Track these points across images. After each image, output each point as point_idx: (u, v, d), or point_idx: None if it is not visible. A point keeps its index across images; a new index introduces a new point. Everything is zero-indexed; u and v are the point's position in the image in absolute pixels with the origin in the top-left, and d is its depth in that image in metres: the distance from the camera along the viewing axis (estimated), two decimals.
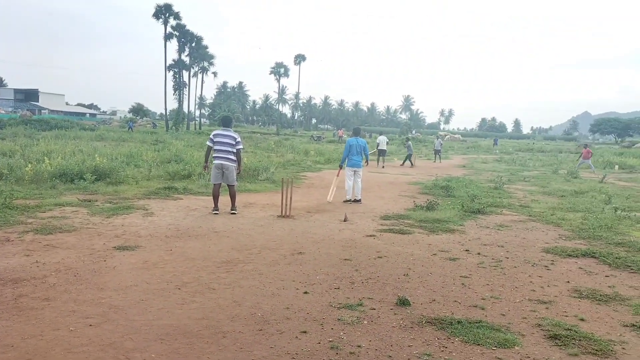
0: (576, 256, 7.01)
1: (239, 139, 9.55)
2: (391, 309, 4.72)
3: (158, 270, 5.64)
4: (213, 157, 9.49)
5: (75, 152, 17.90)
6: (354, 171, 11.69)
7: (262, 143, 37.43)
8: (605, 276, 6.11)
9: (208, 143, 9.56)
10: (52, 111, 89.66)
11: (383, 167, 24.02)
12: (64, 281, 5.15)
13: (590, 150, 26.57)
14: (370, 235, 8.00)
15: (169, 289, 5.04)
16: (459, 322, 4.38)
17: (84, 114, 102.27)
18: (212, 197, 9.58)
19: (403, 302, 4.83)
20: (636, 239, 8.07)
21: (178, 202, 10.48)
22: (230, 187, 9.61)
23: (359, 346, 3.89)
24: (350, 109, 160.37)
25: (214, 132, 9.62)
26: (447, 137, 79.42)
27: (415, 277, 5.82)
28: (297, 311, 4.57)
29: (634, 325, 4.49)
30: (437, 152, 30.28)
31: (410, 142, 27.85)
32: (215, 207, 9.37)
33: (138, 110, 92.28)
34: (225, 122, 9.89)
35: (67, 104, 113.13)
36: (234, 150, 9.44)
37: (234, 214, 9.31)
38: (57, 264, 5.72)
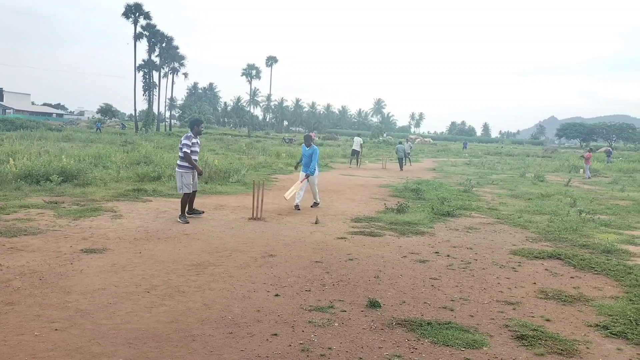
0: (542, 258, 7.16)
1: (182, 143, 8.94)
2: (362, 311, 4.74)
3: (126, 274, 5.55)
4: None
5: (41, 152, 17.51)
6: (306, 176, 11.05)
7: (233, 145, 37.23)
8: (571, 277, 6.25)
9: (186, 149, 8.90)
10: (17, 111, 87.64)
11: (356, 166, 24.18)
12: (29, 285, 5.02)
13: (591, 154, 25.65)
14: (342, 238, 8.02)
15: (137, 292, 4.96)
16: (428, 324, 4.42)
17: (50, 114, 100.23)
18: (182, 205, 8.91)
19: (373, 304, 4.86)
20: (600, 241, 8.28)
21: (147, 204, 10.34)
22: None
23: (329, 348, 3.90)
24: (321, 112, 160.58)
25: (188, 135, 9.09)
26: (417, 140, 79.28)
27: (386, 279, 5.86)
28: (268, 314, 4.56)
29: (597, 325, 4.61)
30: (406, 154, 29.41)
31: (403, 145, 27.66)
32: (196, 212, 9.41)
33: (106, 111, 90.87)
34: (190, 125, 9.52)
35: (33, 103, 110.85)
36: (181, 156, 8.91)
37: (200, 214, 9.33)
38: (22, 267, 5.58)
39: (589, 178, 23.20)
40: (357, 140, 26.44)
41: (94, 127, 55.84)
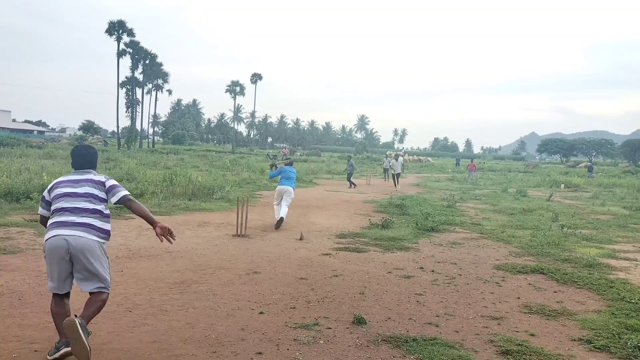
0: (526, 272, 7.20)
1: (110, 182, 4.10)
2: (347, 328, 4.71)
3: None
4: (47, 230, 3.94)
5: (22, 170, 17.26)
6: (285, 190, 11.19)
7: (217, 161, 37.07)
8: (554, 292, 6.29)
9: (40, 210, 4.16)
10: None
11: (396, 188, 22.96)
12: (8, 305, 4.92)
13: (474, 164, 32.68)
14: (326, 254, 8.00)
15: (119, 312, 4.88)
16: (414, 340, 4.41)
17: (31, 131, 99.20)
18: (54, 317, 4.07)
19: (359, 321, 4.84)
20: (582, 255, 8.36)
21: (130, 221, 10.23)
22: (94, 294, 3.96)
23: None
24: (306, 128, 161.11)
25: (54, 182, 4.12)
26: (403, 156, 75.63)
27: (371, 295, 5.84)
28: (253, 332, 4.51)
29: (581, 339, 4.63)
30: (397, 174, 25.15)
31: (352, 161, 25.98)
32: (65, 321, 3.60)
33: (88, 128, 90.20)
34: (79, 161, 4.18)
35: (14, 120, 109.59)
36: (104, 212, 4.00)
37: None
38: (1, 287, 5.47)
39: (472, 180, 29.53)
40: (399, 162, 24.88)
41: (76, 144, 55.44)
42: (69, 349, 3.61)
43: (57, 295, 3.90)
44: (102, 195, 4.00)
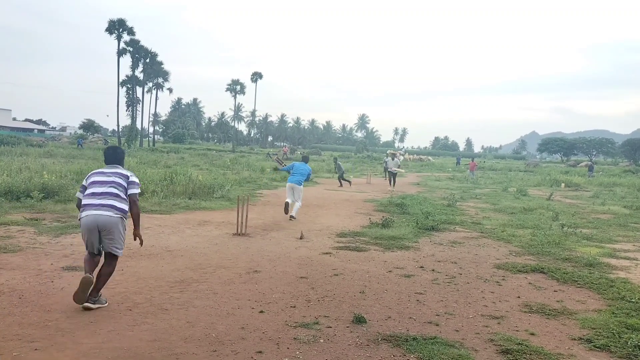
0: (526, 272, 7.20)
1: (133, 178, 5.32)
2: (347, 327, 4.71)
3: (108, 291, 5.46)
4: (81, 210, 5.12)
5: (22, 169, 17.26)
6: (292, 187, 12.27)
7: (217, 160, 37.11)
8: (554, 291, 6.29)
9: (78, 194, 5.34)
10: None
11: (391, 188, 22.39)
12: (8, 303, 4.92)
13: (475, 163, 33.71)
14: (327, 253, 8.00)
15: (119, 310, 4.88)
16: (414, 339, 4.41)
17: (31, 130, 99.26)
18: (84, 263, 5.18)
19: (359, 320, 4.84)
20: (582, 255, 8.36)
21: (129, 220, 10.21)
22: (110, 257, 5.23)
23: None
24: (306, 127, 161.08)
25: (91, 173, 5.38)
26: (404, 155, 70.88)
27: (371, 294, 5.84)
28: (253, 331, 4.51)
29: (581, 338, 4.63)
30: (392, 173, 24.30)
31: (339, 163, 25.60)
32: (85, 277, 4.88)
33: (89, 127, 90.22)
34: (111, 157, 5.45)
35: (14, 119, 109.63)
36: (121, 197, 5.17)
37: (90, 308, 4.87)
38: (1, 285, 5.47)
39: (473, 179, 30.25)
40: (395, 162, 23.22)
41: (76, 143, 55.40)
42: (86, 277, 4.84)
43: (91, 253, 5.13)
44: (125, 185, 5.20)
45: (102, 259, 5.16)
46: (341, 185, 23.38)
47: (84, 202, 5.08)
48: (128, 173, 5.29)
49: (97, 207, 5.00)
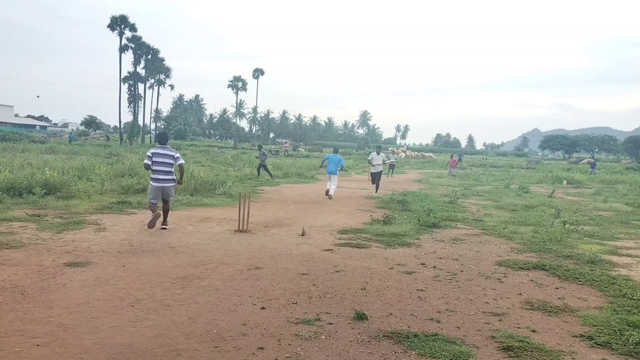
0: (527, 269, 7.20)
1: (177, 155, 9.14)
2: (349, 324, 4.72)
3: (110, 287, 5.48)
4: (151, 177, 9.12)
5: (24, 165, 17.27)
6: (329, 176, 16.05)
7: (219, 157, 37.11)
8: (555, 288, 6.29)
9: (146, 161, 9.09)
10: (0, 123, 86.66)
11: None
12: (10, 299, 4.94)
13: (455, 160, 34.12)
14: (328, 250, 8.00)
15: (121, 306, 4.90)
16: (415, 336, 4.42)
17: (33, 126, 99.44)
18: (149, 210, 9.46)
19: (360, 317, 4.85)
20: (584, 252, 8.36)
21: (132, 216, 10.25)
22: (166, 202, 9.25)
23: None
24: (308, 124, 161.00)
25: (152, 151, 9.09)
26: (400, 153, 69.50)
27: (373, 291, 5.85)
28: (254, 327, 4.52)
29: (582, 335, 4.63)
30: (375, 174, 21.69)
31: (264, 150, 23.81)
32: (156, 213, 8.88)
33: (91, 123, 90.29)
34: (162, 139, 9.35)
35: (16, 115, 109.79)
36: (172, 170, 9.14)
37: (165, 228, 8.97)
38: (3, 281, 5.49)
39: (453, 176, 30.81)
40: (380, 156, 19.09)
41: (72, 138, 55.54)
42: (157, 213, 8.88)
43: (154, 204, 9.09)
44: (173, 161, 9.09)
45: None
46: (259, 175, 22.26)
47: (155, 170, 8.97)
48: (174, 153, 9.16)
49: (163, 179, 9.01)
